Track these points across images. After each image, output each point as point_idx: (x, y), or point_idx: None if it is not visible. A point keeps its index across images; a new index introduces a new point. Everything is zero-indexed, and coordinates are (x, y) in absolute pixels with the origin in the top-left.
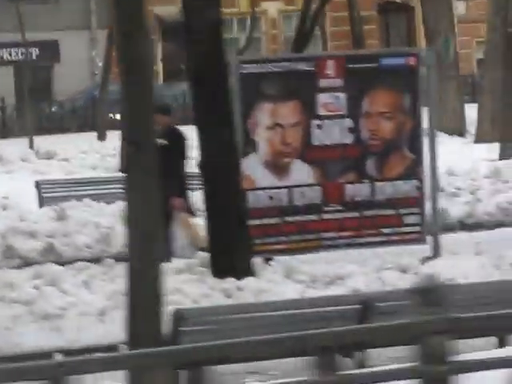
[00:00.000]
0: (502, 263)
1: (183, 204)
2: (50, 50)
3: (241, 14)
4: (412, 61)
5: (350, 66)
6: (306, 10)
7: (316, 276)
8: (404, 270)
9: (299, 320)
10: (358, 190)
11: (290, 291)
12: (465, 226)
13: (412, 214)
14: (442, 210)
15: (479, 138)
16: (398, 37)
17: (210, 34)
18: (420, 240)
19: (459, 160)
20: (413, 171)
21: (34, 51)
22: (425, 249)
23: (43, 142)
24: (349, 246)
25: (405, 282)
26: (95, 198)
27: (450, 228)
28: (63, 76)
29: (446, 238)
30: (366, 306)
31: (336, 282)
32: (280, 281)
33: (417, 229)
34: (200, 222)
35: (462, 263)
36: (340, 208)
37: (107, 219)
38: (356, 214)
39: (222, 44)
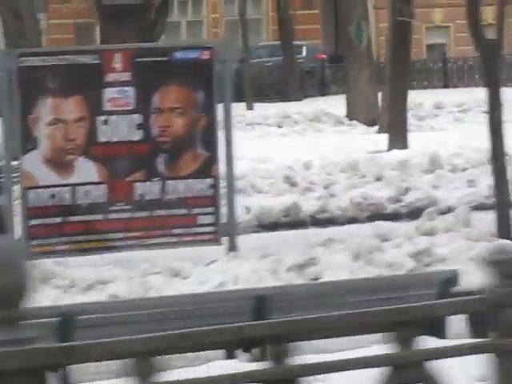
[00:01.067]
0: (280, 268)
1: None
2: None
3: None
4: (206, 55)
5: (139, 59)
6: None
7: (76, 280)
8: (175, 275)
9: None
10: (147, 189)
11: (44, 298)
12: (316, 221)
13: (206, 213)
14: (246, 207)
15: (382, 128)
16: None
17: None
18: (215, 241)
19: (341, 152)
20: (207, 169)
21: None
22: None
23: None
24: (138, 246)
25: (172, 287)
26: None
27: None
28: None
29: (247, 239)
30: (66, 319)
31: (96, 286)
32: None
33: (211, 229)
34: None
35: (236, 267)
36: (128, 207)
37: None
38: (145, 214)
39: None
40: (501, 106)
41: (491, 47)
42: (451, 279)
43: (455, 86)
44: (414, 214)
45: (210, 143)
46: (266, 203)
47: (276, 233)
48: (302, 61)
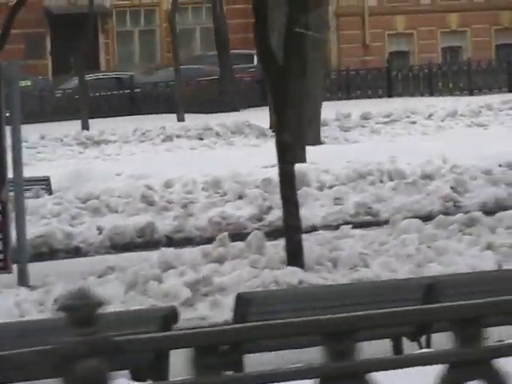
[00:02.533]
0: (48, 299)
1: None
2: None
3: (134, 6)
4: None
5: None
6: None
7: None
8: None
9: None
10: None
11: None
12: (172, 241)
13: None
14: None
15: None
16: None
17: None
18: (4, 269)
19: (231, 167)
20: None
21: None
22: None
23: None
24: None
25: None
26: None
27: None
28: None
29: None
30: None
31: None
32: None
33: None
34: None
35: (1, 300)
36: None
37: None
38: None
39: None
40: (289, 127)
41: (279, 73)
42: (169, 316)
43: (400, 95)
44: (276, 233)
45: None
46: (121, 223)
47: (76, 259)
48: (253, 70)
